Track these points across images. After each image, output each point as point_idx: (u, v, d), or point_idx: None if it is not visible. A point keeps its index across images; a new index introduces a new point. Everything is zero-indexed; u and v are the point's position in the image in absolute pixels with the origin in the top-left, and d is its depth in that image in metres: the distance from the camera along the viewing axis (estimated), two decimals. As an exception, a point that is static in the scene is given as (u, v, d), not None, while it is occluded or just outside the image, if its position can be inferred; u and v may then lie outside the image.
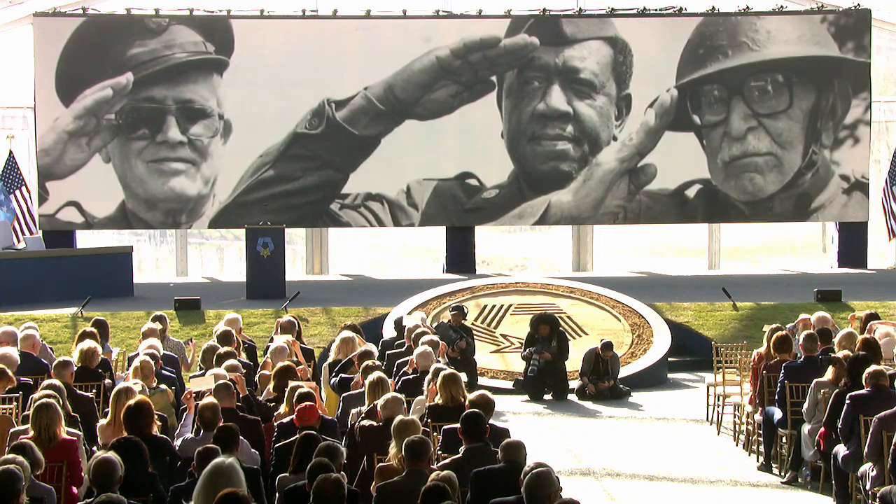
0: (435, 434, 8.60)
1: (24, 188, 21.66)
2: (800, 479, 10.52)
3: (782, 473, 10.76)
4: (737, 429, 12.22)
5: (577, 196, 23.07)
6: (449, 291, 17.54)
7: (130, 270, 19.89)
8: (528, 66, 22.91)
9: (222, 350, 11.03)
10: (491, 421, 8.18)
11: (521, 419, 13.36)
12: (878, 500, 8.26)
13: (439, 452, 8.14)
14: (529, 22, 22.92)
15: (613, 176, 23.09)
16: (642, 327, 16.43)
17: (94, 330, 12.03)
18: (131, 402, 8.29)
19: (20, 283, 18.52)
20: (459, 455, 7.67)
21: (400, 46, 22.74)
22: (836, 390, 9.65)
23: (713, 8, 23.11)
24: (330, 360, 11.72)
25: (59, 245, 21.18)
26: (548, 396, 14.67)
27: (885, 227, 23.21)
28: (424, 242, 27.27)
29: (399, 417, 7.89)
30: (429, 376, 9.71)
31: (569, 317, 16.60)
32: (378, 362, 10.61)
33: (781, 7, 23.23)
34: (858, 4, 23.19)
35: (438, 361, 10.73)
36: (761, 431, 11.14)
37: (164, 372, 10.88)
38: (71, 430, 8.29)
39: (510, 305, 16.99)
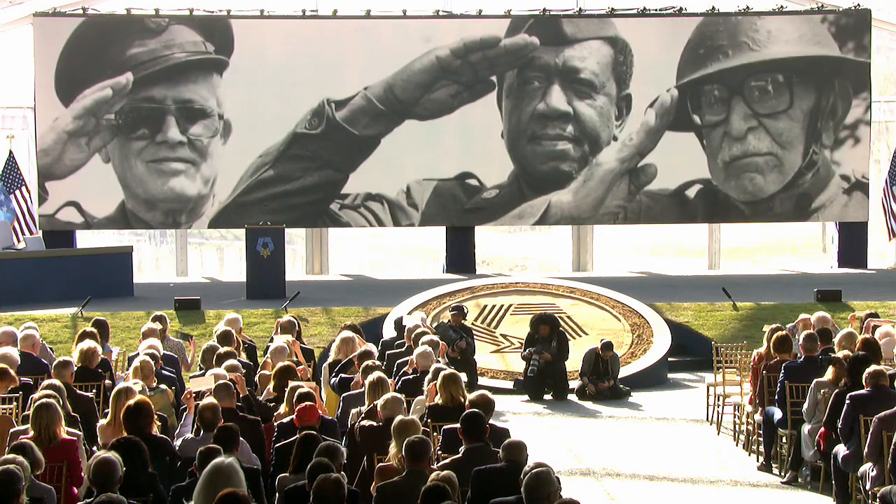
0: (435, 434, 8.59)
1: (23, 188, 21.66)
2: (800, 479, 10.52)
3: (782, 473, 10.76)
4: (737, 429, 12.21)
5: (577, 196, 23.06)
6: (449, 291, 17.53)
7: (130, 270, 19.88)
8: (528, 66, 22.90)
9: (222, 350, 11.02)
10: (491, 421, 8.18)
11: (521, 419, 13.35)
12: (878, 500, 8.25)
13: (439, 452, 8.14)
14: (529, 22, 22.91)
15: (613, 176, 23.07)
16: (642, 327, 16.42)
17: (94, 330, 12.03)
18: (131, 402, 8.28)
19: (20, 283, 18.51)
20: (459, 455, 7.67)
21: (400, 46, 22.73)
22: (836, 390, 9.65)
23: (713, 8, 23.09)
24: (330, 360, 11.71)
25: (58, 245, 21.16)
26: (548, 396, 14.67)
27: (885, 227, 23.20)
28: (424, 242, 27.25)
29: (399, 417, 7.89)
30: (429, 376, 9.72)
31: (569, 317, 16.59)
32: (378, 362, 10.60)
33: (781, 7, 23.21)
34: (858, 4, 23.18)
35: (438, 361, 10.72)
36: (761, 431, 11.13)
37: (164, 372, 10.87)
38: (71, 430, 8.29)
39: (510, 305, 16.98)
